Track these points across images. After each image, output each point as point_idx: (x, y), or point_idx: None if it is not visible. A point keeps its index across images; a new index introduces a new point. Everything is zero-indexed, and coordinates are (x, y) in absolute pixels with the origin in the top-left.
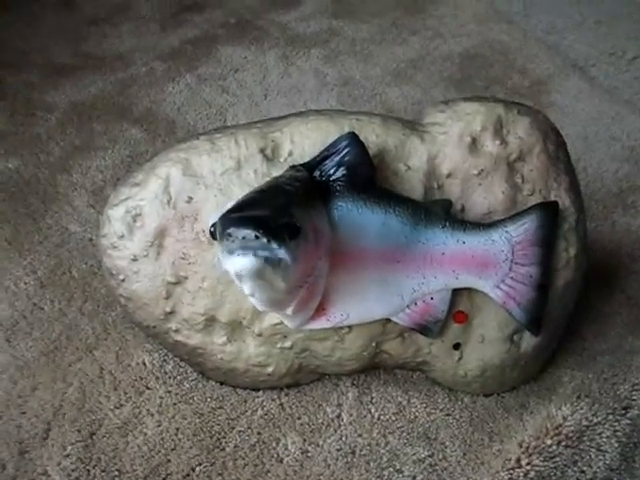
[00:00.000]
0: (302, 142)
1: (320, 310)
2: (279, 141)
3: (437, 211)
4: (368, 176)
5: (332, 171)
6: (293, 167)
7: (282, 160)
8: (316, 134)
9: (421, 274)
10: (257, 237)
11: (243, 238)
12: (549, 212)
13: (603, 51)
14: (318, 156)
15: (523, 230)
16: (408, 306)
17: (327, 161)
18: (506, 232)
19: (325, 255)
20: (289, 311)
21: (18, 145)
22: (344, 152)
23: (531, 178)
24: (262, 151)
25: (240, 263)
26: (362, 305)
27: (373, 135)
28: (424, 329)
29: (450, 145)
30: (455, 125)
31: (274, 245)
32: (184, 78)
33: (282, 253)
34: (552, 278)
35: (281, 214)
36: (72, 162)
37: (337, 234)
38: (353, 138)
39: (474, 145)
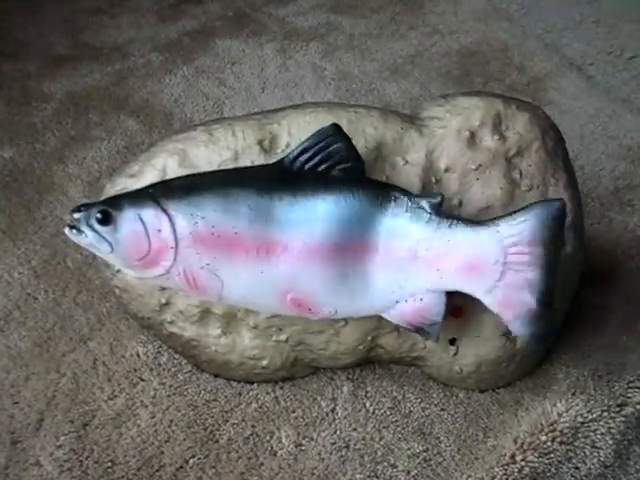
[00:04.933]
0: (300, 134)
1: (303, 305)
2: (277, 133)
3: (422, 205)
4: (354, 168)
5: (313, 163)
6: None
7: (279, 152)
8: (314, 126)
9: (404, 270)
10: (76, 219)
11: (73, 218)
12: (552, 211)
13: (601, 50)
14: (296, 149)
15: (518, 230)
16: (397, 303)
17: (308, 153)
18: (497, 232)
19: (216, 247)
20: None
21: (13, 134)
22: (325, 143)
23: (529, 174)
24: (260, 143)
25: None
26: (349, 300)
27: (371, 128)
28: (420, 331)
29: (448, 139)
30: (454, 119)
31: (83, 228)
32: (181, 70)
33: (90, 235)
34: (555, 285)
35: (107, 203)
36: (68, 152)
37: (323, 227)
38: (335, 130)
39: (472, 140)
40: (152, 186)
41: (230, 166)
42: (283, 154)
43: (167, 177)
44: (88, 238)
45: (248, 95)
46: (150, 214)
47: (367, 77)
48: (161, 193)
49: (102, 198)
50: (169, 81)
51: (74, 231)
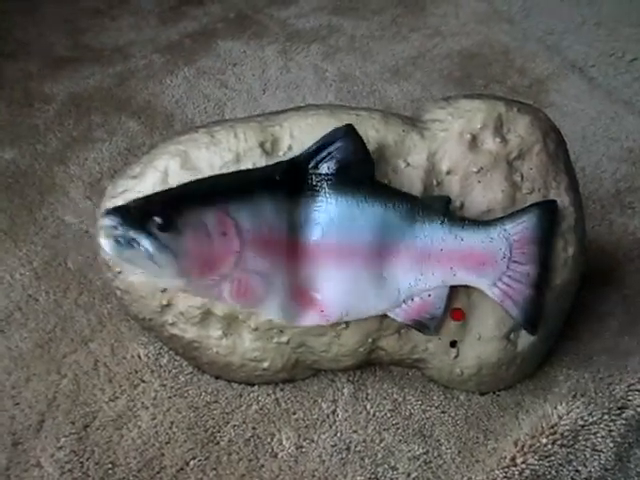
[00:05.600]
0: (302, 136)
1: (317, 307)
2: (278, 135)
3: (435, 207)
4: (367, 170)
5: (328, 165)
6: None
7: (281, 154)
8: (316, 129)
9: (418, 270)
10: (115, 227)
11: (108, 226)
12: (548, 211)
13: (602, 52)
14: (310, 149)
15: (521, 228)
16: (405, 301)
17: (321, 154)
18: (504, 230)
19: (266, 250)
20: (226, 301)
21: (15, 136)
22: (340, 145)
23: (530, 177)
24: (261, 145)
25: (105, 247)
26: (360, 301)
27: (373, 130)
28: (421, 326)
29: (450, 142)
30: (455, 122)
31: (133, 234)
32: (183, 71)
33: (146, 243)
34: (549, 277)
35: (160, 208)
36: (69, 153)
37: (336, 229)
38: (350, 131)
39: (474, 142)
40: (186, 186)
41: (232, 168)
42: (285, 156)
43: (169, 179)
44: (139, 248)
45: (249, 97)
46: (212, 217)
47: (368, 79)
48: (216, 193)
49: (105, 198)
50: (170, 82)
51: (114, 243)
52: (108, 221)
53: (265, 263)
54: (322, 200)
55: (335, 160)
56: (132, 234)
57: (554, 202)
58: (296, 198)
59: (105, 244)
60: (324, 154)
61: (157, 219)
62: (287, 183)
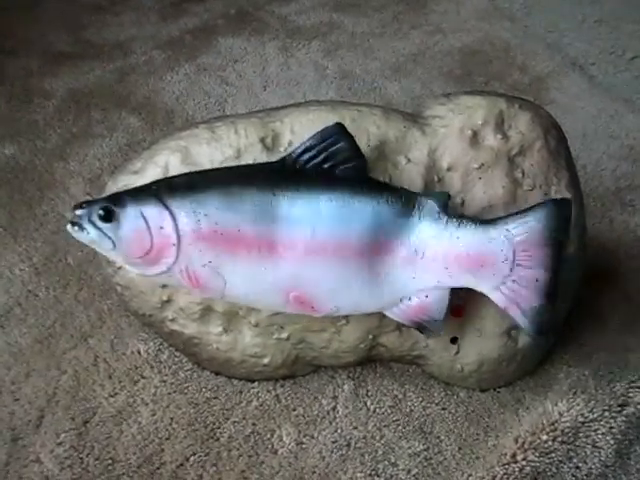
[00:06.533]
0: (302, 132)
1: (305, 302)
2: (279, 131)
3: (431, 204)
4: (357, 166)
5: (317, 161)
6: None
7: (282, 150)
8: (317, 125)
9: (412, 268)
10: (79, 216)
11: (74, 215)
12: (559, 211)
13: (603, 50)
14: (299, 147)
15: (526, 229)
16: (402, 301)
17: (311, 152)
18: (506, 230)
19: (222, 245)
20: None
21: (15, 131)
22: (329, 142)
23: (532, 173)
24: (262, 140)
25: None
26: (352, 297)
27: (374, 126)
28: (421, 328)
29: (451, 138)
30: (456, 118)
31: (85, 224)
32: (183, 68)
33: (92, 232)
34: (560, 283)
35: (109, 199)
36: (69, 149)
37: (325, 225)
38: (339, 129)
39: (475, 139)
40: (154, 183)
41: (232, 164)
42: (285, 152)
43: (169, 174)
44: (90, 235)
45: (250, 93)
46: (152, 211)
47: (369, 76)
48: (164, 190)
49: (104, 195)
50: (171, 79)
51: (76, 228)
52: (76, 211)
53: (216, 257)
54: (312, 198)
55: (325, 158)
56: (82, 223)
57: (567, 201)
58: (281, 195)
59: (68, 227)
60: (313, 152)
61: (99, 211)
62: (270, 180)
